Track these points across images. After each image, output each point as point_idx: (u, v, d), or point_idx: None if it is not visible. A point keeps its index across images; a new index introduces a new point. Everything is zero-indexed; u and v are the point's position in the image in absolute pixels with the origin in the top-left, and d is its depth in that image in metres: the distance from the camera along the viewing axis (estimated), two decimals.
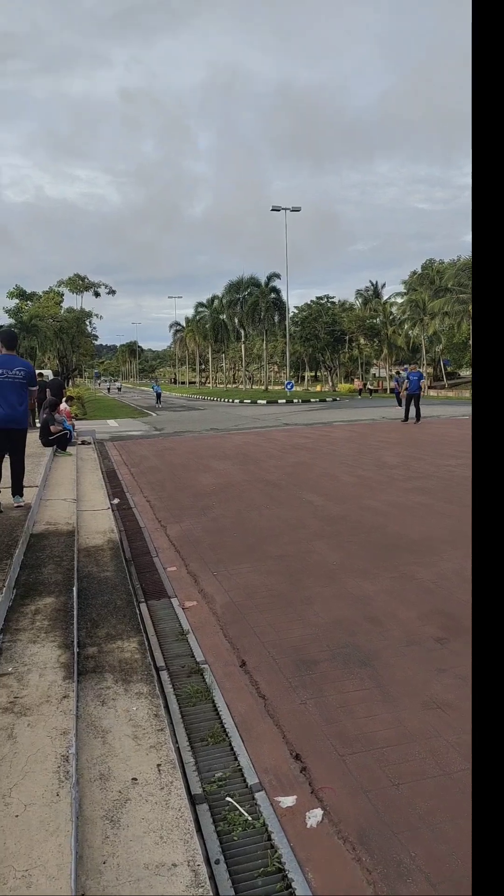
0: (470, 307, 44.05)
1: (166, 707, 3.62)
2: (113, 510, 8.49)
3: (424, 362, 58.75)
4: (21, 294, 57.21)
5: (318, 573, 5.66)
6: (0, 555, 5.18)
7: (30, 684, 3.42)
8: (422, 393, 18.43)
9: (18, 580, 5.10)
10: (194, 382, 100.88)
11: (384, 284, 60.77)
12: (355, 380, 60.00)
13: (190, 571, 5.97)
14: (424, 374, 56.24)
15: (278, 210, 43.49)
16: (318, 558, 6.09)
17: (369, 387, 55.40)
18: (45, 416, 12.98)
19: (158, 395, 44.26)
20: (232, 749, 3.22)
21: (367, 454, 13.22)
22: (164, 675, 4.02)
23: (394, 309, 58.99)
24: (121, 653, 4.06)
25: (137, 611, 4.86)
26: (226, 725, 3.41)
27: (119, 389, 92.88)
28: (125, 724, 3.24)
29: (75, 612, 4.45)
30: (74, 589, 4.93)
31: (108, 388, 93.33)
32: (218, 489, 9.92)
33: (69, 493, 8.91)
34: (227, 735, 3.32)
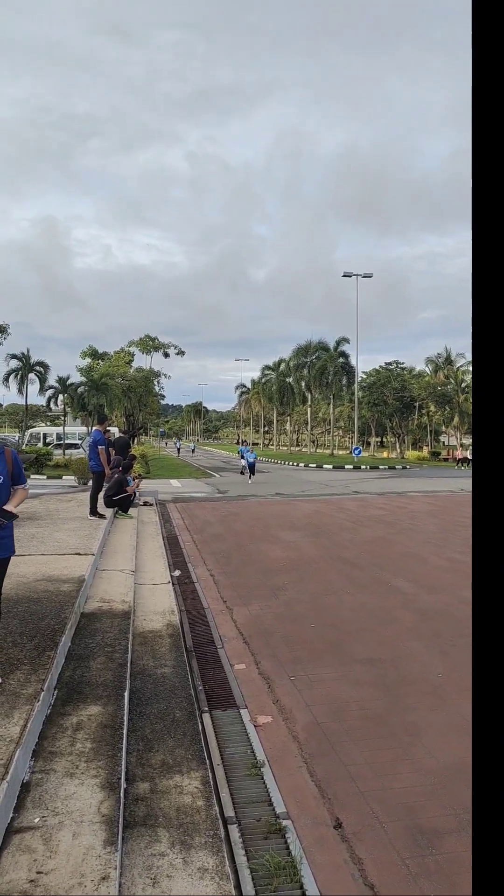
0: None
1: (238, 888, 2.67)
2: (174, 584, 7.67)
3: None
4: (93, 354, 59.01)
5: (421, 688, 4.60)
6: (43, 643, 4.40)
7: (59, 850, 2.54)
8: None
9: (62, 677, 4.29)
10: (258, 444, 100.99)
11: (460, 353, 59.36)
12: (458, 449, 52.31)
13: (262, 672, 5.03)
14: None
15: (350, 276, 43.54)
16: (418, 667, 5.03)
17: (468, 455, 47.57)
18: (117, 475, 12.48)
19: (252, 467, 26.80)
20: None
21: (454, 532, 12.01)
22: (234, 831, 3.06)
23: (467, 376, 57.48)
24: (179, 795, 3.14)
25: (200, 726, 3.94)
26: None
27: (192, 451, 71.73)
28: None
29: (125, 732, 3.58)
30: (126, 694, 4.07)
31: (179, 449, 69.84)
32: (289, 565, 8.97)
33: (127, 563, 8.16)
34: None
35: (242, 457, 27.98)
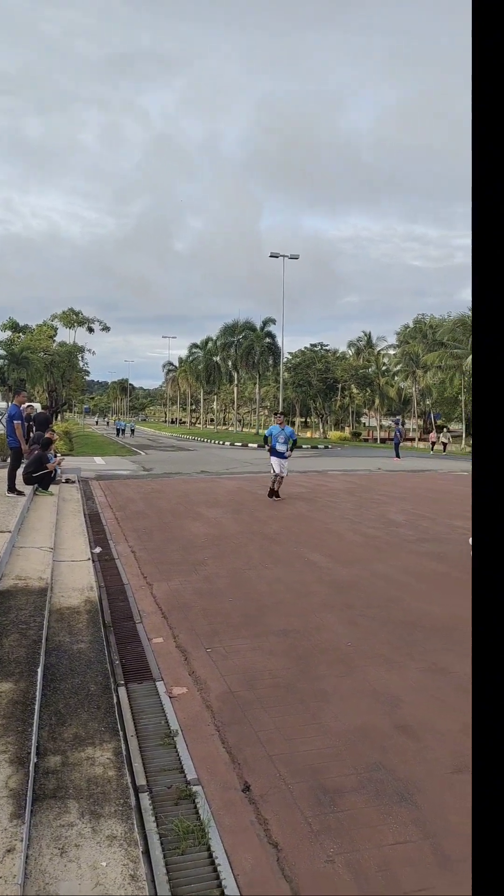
0: (463, 362, 43.94)
1: (147, 853, 2.73)
2: (94, 561, 7.60)
3: (415, 414, 58.66)
4: (14, 326, 56.94)
5: (331, 657, 4.79)
6: None
7: None
8: None
9: None
10: (184, 422, 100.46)
11: (381, 336, 60.77)
12: (431, 433, 44.65)
13: (179, 645, 5.09)
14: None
15: (277, 257, 43.57)
16: (329, 637, 5.22)
17: (443, 440, 40.59)
18: (38, 451, 12.12)
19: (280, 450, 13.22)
20: None
21: (370, 509, 12.41)
22: (145, 799, 3.12)
23: (386, 360, 59.10)
24: (91, 766, 3.17)
25: (115, 699, 3.97)
26: (227, 891, 2.52)
27: (133, 432, 62.83)
28: (89, 890, 2.35)
29: (37, 707, 3.56)
30: (39, 670, 4.04)
31: (120, 431, 60.43)
32: (210, 541, 9.05)
33: (46, 540, 8.02)
34: None
35: (274, 450, 13.45)
